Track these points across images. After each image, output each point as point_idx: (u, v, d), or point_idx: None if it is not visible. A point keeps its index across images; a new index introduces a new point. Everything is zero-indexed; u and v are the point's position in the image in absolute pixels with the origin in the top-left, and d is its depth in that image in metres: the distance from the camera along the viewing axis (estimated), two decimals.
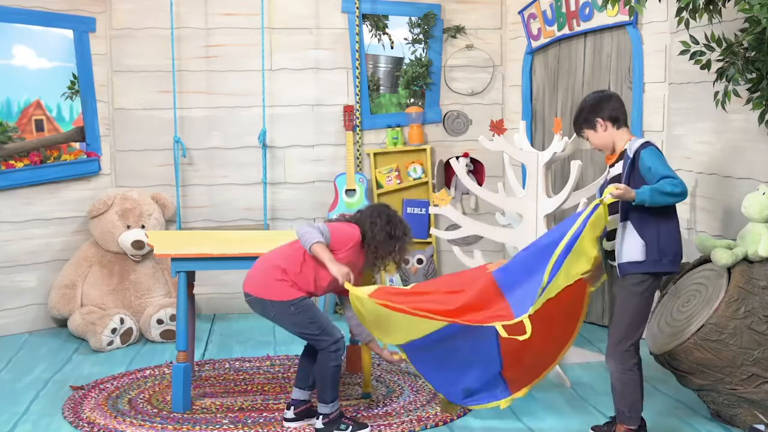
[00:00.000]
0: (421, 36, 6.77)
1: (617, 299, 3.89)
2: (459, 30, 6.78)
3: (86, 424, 4.22)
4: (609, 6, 4.35)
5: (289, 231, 5.19)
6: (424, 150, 6.73)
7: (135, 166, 6.49)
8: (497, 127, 5.12)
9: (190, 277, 4.66)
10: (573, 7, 6.00)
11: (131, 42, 6.44)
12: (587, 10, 5.90)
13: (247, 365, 5.24)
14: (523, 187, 5.19)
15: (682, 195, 3.65)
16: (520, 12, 6.55)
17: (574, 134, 4.96)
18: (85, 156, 6.28)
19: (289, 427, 4.20)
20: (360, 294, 3.96)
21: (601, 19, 5.80)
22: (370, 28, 6.73)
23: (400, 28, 6.77)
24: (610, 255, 3.91)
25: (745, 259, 4.08)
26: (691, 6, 4.05)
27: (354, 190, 6.52)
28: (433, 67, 6.79)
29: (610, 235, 3.89)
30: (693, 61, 4.36)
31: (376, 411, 4.40)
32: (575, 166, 4.80)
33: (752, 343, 3.88)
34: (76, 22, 6.19)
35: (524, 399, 4.58)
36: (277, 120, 6.64)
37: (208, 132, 6.59)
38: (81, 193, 6.27)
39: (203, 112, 6.58)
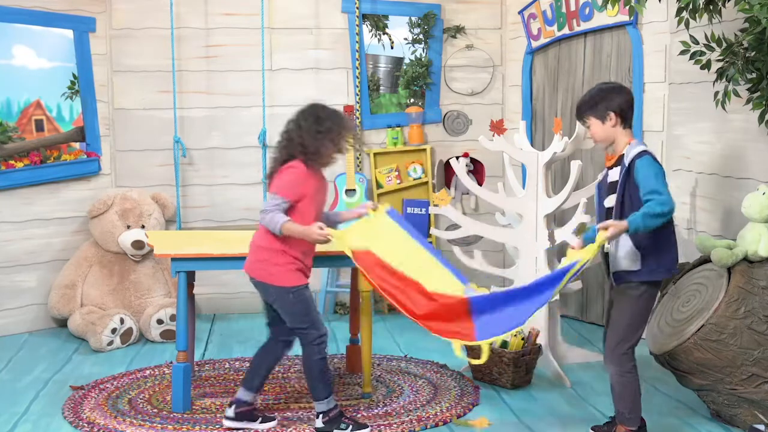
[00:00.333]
0: (421, 36, 6.77)
1: (615, 302, 3.87)
2: (459, 30, 6.78)
3: (86, 424, 4.22)
4: (609, 6, 4.35)
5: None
6: (424, 150, 6.73)
7: (135, 166, 6.49)
8: (497, 127, 5.12)
9: (190, 277, 4.65)
10: (573, 7, 6.00)
11: (131, 42, 6.44)
12: (587, 10, 5.90)
13: (247, 365, 5.21)
14: (523, 187, 5.19)
15: (670, 213, 3.58)
16: (520, 12, 6.55)
17: (575, 134, 4.99)
18: (85, 156, 6.28)
19: (226, 426, 4.13)
20: (344, 247, 4.04)
21: (601, 19, 5.80)
22: (370, 28, 6.73)
23: (400, 28, 6.77)
24: (607, 257, 3.88)
25: (745, 259, 4.08)
26: (691, 6, 4.05)
27: (354, 190, 6.51)
28: (433, 67, 6.78)
29: None
30: (693, 61, 4.36)
31: (376, 411, 4.39)
32: (575, 166, 4.79)
33: (752, 343, 3.88)
34: (76, 22, 6.19)
35: (524, 399, 4.59)
36: (277, 120, 6.57)
37: (208, 132, 6.59)
38: (81, 193, 6.27)
39: (203, 112, 6.58)
